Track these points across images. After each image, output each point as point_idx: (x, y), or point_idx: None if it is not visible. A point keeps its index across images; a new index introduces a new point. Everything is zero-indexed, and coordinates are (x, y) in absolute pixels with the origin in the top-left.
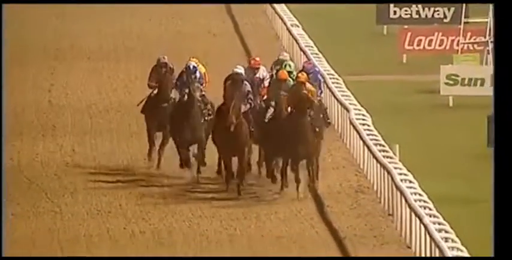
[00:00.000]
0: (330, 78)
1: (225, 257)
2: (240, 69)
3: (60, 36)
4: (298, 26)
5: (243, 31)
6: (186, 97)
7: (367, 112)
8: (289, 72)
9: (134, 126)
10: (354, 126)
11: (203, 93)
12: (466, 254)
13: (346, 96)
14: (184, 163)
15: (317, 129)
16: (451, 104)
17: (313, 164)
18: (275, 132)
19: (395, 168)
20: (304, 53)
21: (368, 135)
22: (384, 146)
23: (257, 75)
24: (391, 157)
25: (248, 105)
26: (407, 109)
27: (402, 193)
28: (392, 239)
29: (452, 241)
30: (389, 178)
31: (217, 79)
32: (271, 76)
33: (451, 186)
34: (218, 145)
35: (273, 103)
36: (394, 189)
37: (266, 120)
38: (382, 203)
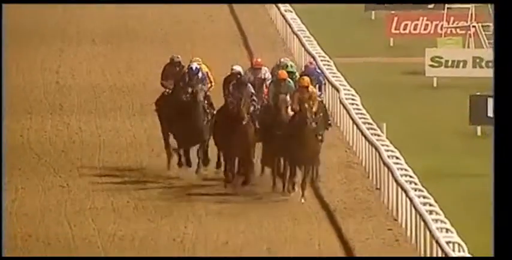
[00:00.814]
0: (321, 60)
1: (225, 257)
2: (238, 67)
3: (66, 21)
4: (291, 12)
5: (239, 16)
6: (189, 97)
7: (356, 92)
8: (291, 73)
9: (137, 106)
10: (343, 106)
11: (207, 93)
12: (448, 226)
13: (336, 77)
14: (186, 162)
15: (319, 136)
16: (435, 85)
17: (313, 168)
18: (274, 132)
19: (382, 145)
20: (297, 36)
21: (357, 113)
22: (371, 124)
23: (259, 76)
24: (378, 135)
25: (252, 107)
26: (394, 90)
27: (389, 169)
28: (379, 212)
29: (436, 213)
30: (377, 155)
31: (215, 60)
32: (271, 81)
33: (435, 161)
34: (223, 146)
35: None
36: (382, 164)
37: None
38: (370, 178)
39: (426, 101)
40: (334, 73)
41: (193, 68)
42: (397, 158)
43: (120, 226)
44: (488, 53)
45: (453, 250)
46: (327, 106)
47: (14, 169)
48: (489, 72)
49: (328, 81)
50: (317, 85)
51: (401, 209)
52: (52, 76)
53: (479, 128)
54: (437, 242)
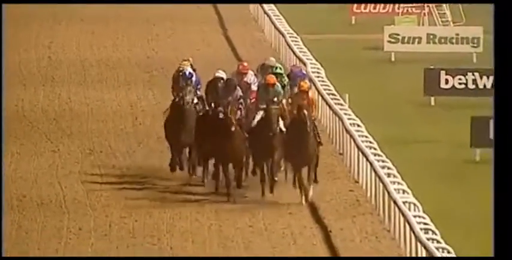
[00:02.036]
0: (290, 37)
1: (224, 257)
2: (222, 73)
3: (57, 4)
4: None
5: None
6: (181, 101)
7: (321, 66)
8: (279, 74)
9: (122, 78)
10: (310, 78)
11: (200, 94)
12: (405, 188)
13: (303, 52)
14: (179, 166)
15: (318, 139)
16: (393, 59)
17: (312, 170)
18: (265, 136)
19: (345, 114)
20: (268, 15)
21: (322, 85)
22: (335, 95)
23: (245, 80)
24: (341, 104)
25: (239, 112)
26: (355, 64)
27: (351, 135)
28: (342, 175)
29: (394, 176)
30: (340, 123)
31: (192, 37)
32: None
33: (393, 128)
34: (213, 152)
35: (263, 106)
36: (344, 131)
37: (254, 124)
38: (334, 144)
39: (385, 74)
40: (301, 48)
41: (187, 73)
42: (358, 126)
43: (107, 188)
44: (440, 30)
45: (409, 209)
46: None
47: (10, 135)
48: (442, 48)
49: (295, 55)
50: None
51: (362, 172)
52: (44, 51)
53: (432, 99)
54: (394, 202)
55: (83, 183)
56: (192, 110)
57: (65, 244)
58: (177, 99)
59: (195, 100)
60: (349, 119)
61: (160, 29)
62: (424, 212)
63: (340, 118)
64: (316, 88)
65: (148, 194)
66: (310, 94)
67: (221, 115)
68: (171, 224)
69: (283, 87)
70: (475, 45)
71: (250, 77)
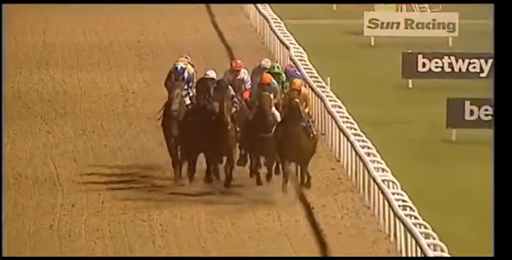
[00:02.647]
0: (274, 22)
1: (224, 257)
2: (213, 73)
3: None
4: None
5: None
6: (172, 98)
7: (304, 50)
8: (278, 74)
9: (113, 61)
10: (293, 61)
11: (191, 94)
12: (384, 166)
13: (287, 36)
14: (179, 164)
15: (312, 135)
16: (372, 43)
17: (305, 167)
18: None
19: (327, 96)
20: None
21: (304, 68)
22: (317, 78)
23: (238, 77)
24: (323, 87)
25: (234, 109)
26: (337, 48)
27: (333, 116)
28: (324, 154)
29: (373, 155)
30: (322, 104)
31: (180, 23)
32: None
33: (372, 110)
34: (206, 149)
35: (256, 103)
36: (326, 112)
37: (249, 118)
38: (317, 124)
39: (364, 58)
40: (284, 33)
41: (178, 68)
42: (339, 107)
43: (98, 167)
44: (418, 16)
45: (388, 187)
46: (278, 62)
47: (6, 117)
48: (419, 33)
49: (279, 40)
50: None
51: (343, 151)
52: (39, 36)
53: (410, 81)
54: (374, 180)
55: (76, 162)
56: (175, 108)
57: (59, 220)
58: (169, 97)
59: (187, 101)
60: (330, 101)
61: (150, 15)
62: (402, 189)
63: (322, 100)
64: (299, 71)
65: (139, 172)
66: (302, 90)
67: (216, 110)
68: (161, 201)
69: (282, 87)
70: (451, 30)
71: (243, 75)
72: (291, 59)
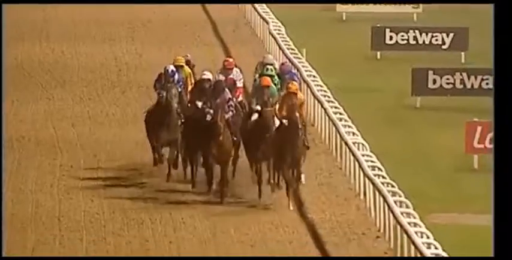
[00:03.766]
0: None
1: (224, 257)
2: (209, 74)
3: None
4: None
5: None
6: (163, 100)
7: (282, 24)
8: (271, 76)
9: (108, 34)
10: (271, 35)
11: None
12: (354, 130)
13: (266, 12)
14: (159, 160)
15: (306, 143)
16: (344, 18)
17: (299, 171)
18: (261, 138)
19: (302, 66)
20: None
21: (282, 41)
22: (294, 50)
23: (230, 76)
24: (299, 58)
25: (230, 113)
26: (311, 22)
27: (308, 85)
28: None
29: (345, 120)
30: (298, 74)
31: (174, 14)
32: (254, 80)
33: (344, 79)
34: (200, 152)
35: (258, 107)
36: (302, 81)
37: (249, 125)
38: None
39: (336, 32)
40: (264, 9)
41: (169, 71)
42: (314, 76)
43: (95, 130)
44: None
45: (358, 149)
46: (259, 35)
47: (10, 85)
48: (387, 8)
49: (259, 15)
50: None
51: (317, 117)
52: (40, 12)
53: (378, 53)
54: (345, 143)
55: (74, 126)
56: (172, 108)
57: (59, 179)
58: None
59: (176, 101)
60: (306, 71)
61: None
62: (371, 151)
63: (298, 70)
64: (277, 43)
65: (132, 135)
66: (299, 95)
67: (209, 118)
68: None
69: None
70: (416, 6)
71: (236, 74)
72: (270, 32)
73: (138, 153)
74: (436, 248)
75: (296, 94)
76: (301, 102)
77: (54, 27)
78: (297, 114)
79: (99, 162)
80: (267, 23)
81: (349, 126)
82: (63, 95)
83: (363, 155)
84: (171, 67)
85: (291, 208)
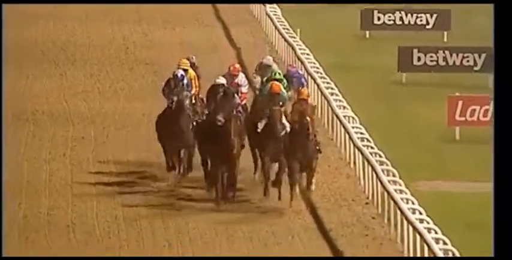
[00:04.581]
0: None
1: (224, 257)
2: (222, 79)
3: None
4: None
5: None
6: (174, 104)
7: (278, 6)
8: (279, 80)
9: (117, 16)
10: (268, 16)
11: (193, 101)
12: (344, 104)
13: None
14: (173, 167)
15: (318, 147)
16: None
17: (311, 175)
18: (270, 137)
19: (297, 45)
20: None
21: (278, 21)
22: (289, 29)
23: (235, 81)
24: (294, 37)
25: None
26: (306, 6)
27: (302, 62)
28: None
29: (336, 95)
30: (293, 52)
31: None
32: (262, 83)
33: (336, 56)
34: (209, 157)
35: (267, 111)
36: (296, 59)
37: (259, 130)
38: None
39: (329, 13)
40: None
41: (179, 75)
42: (307, 54)
43: (104, 104)
44: None
45: (349, 122)
46: (256, 16)
47: (24, 61)
48: None
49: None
50: (299, 88)
51: (310, 91)
52: None
53: (367, 32)
54: (337, 116)
55: (85, 100)
56: (184, 112)
57: (71, 149)
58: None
59: (187, 103)
60: (300, 49)
61: None
62: (360, 124)
63: (293, 48)
64: (273, 24)
65: (139, 108)
66: (309, 100)
67: (220, 123)
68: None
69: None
70: None
71: (241, 79)
72: (266, 13)
73: (145, 123)
74: (420, 213)
75: (307, 100)
76: (312, 107)
77: (67, 8)
78: (308, 119)
79: (108, 133)
80: (264, 5)
81: (340, 101)
82: (74, 72)
83: (353, 127)
84: (181, 72)
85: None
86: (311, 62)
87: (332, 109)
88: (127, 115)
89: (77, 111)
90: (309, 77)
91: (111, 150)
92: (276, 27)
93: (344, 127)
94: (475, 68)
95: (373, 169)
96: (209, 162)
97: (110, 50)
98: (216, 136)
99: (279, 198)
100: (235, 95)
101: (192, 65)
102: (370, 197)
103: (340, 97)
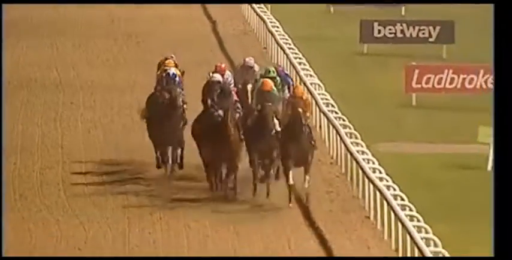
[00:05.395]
0: None
1: (225, 257)
2: (218, 76)
3: None
4: None
5: None
6: (167, 101)
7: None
8: (273, 78)
9: None
10: (263, 22)
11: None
12: (311, 72)
13: None
14: (163, 163)
15: (312, 142)
16: None
17: (307, 169)
18: (262, 133)
19: (268, 18)
20: None
21: (273, 26)
22: (262, 7)
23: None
24: (265, 12)
25: (237, 114)
26: None
27: (272, 34)
28: (265, 63)
29: (304, 64)
30: (264, 25)
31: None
32: (255, 81)
33: (305, 30)
34: (210, 158)
35: (258, 107)
36: (267, 31)
37: (250, 124)
38: (259, 40)
39: None
40: None
41: (171, 74)
42: (277, 27)
43: (91, 72)
44: None
45: (315, 89)
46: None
47: (18, 35)
48: None
49: None
50: (286, 87)
51: (280, 61)
52: None
53: (332, 7)
54: (304, 83)
55: (74, 69)
56: (177, 110)
57: (61, 114)
58: (160, 98)
59: (180, 100)
60: (271, 22)
61: None
62: (326, 91)
63: (264, 21)
64: (256, 13)
65: (123, 76)
66: (304, 97)
67: (219, 119)
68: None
69: (278, 90)
70: None
71: (227, 77)
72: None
73: (128, 91)
74: (380, 172)
75: (302, 98)
76: (307, 103)
77: None
78: (300, 110)
79: (95, 99)
80: None
81: (307, 70)
82: (64, 43)
83: (319, 94)
84: (172, 71)
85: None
86: (280, 34)
87: (300, 76)
88: (112, 82)
89: (67, 79)
90: (279, 48)
91: (98, 114)
92: (248, 3)
93: (311, 93)
94: (430, 39)
95: (337, 132)
96: (209, 157)
97: (97, 23)
98: (215, 131)
99: (267, 195)
100: (232, 92)
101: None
102: (335, 158)
103: (308, 67)
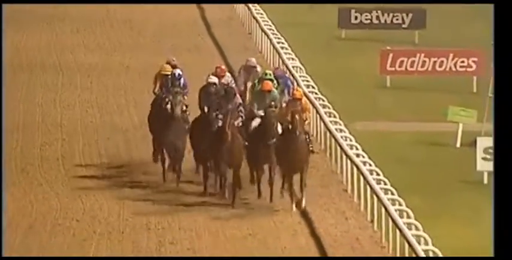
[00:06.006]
0: None
1: (225, 257)
2: (215, 79)
3: None
4: None
5: None
6: (169, 108)
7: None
8: (271, 80)
9: None
10: (248, 9)
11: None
12: (293, 56)
13: None
14: (161, 160)
15: (311, 146)
16: None
17: (302, 176)
18: (265, 139)
19: (252, 6)
20: None
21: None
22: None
23: (222, 81)
24: (262, 14)
25: (240, 118)
26: None
27: (257, 21)
28: (251, 48)
29: (286, 49)
30: (249, 12)
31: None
32: (253, 85)
33: (284, 16)
34: (213, 157)
35: (260, 112)
36: (252, 18)
37: (252, 130)
38: (245, 27)
39: None
40: None
41: (176, 74)
42: (261, 14)
43: (88, 56)
44: None
45: (296, 72)
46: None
47: (23, 23)
48: None
49: None
50: (285, 89)
51: (263, 46)
52: None
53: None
54: (287, 66)
55: (72, 53)
56: (176, 116)
57: (60, 95)
58: (163, 102)
59: (184, 108)
60: (255, 10)
61: None
62: (306, 73)
63: (249, 9)
64: (250, 11)
65: (118, 59)
66: (303, 101)
67: (220, 123)
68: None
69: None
70: None
71: (228, 79)
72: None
73: (123, 74)
74: (357, 149)
75: (301, 100)
76: (305, 106)
77: None
78: (297, 117)
79: (92, 80)
80: None
81: (288, 54)
82: (63, 28)
83: (300, 76)
84: (178, 71)
85: (294, 209)
86: (264, 21)
87: (282, 60)
88: (108, 65)
89: (65, 62)
90: (263, 33)
91: (95, 95)
92: (244, 3)
93: (292, 75)
94: (403, 26)
95: (317, 111)
96: (206, 162)
97: (93, 9)
98: (215, 136)
99: (271, 200)
100: (236, 95)
101: (174, 67)
102: (314, 135)
103: (289, 51)
